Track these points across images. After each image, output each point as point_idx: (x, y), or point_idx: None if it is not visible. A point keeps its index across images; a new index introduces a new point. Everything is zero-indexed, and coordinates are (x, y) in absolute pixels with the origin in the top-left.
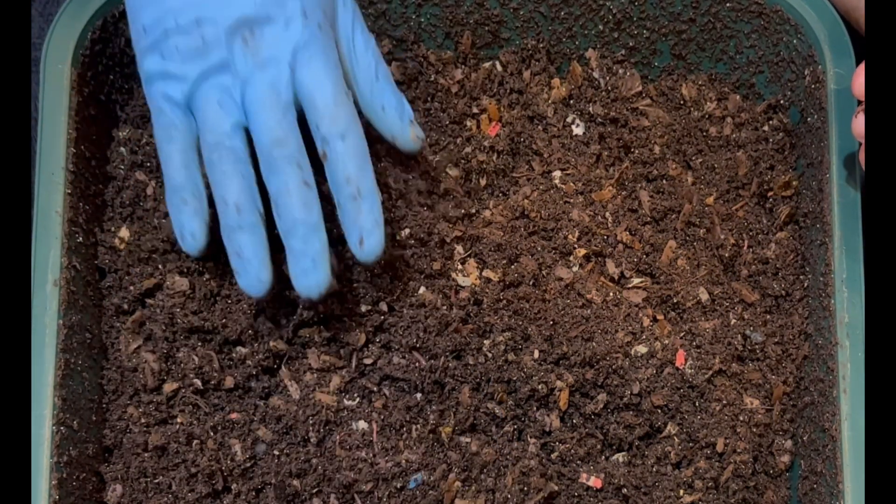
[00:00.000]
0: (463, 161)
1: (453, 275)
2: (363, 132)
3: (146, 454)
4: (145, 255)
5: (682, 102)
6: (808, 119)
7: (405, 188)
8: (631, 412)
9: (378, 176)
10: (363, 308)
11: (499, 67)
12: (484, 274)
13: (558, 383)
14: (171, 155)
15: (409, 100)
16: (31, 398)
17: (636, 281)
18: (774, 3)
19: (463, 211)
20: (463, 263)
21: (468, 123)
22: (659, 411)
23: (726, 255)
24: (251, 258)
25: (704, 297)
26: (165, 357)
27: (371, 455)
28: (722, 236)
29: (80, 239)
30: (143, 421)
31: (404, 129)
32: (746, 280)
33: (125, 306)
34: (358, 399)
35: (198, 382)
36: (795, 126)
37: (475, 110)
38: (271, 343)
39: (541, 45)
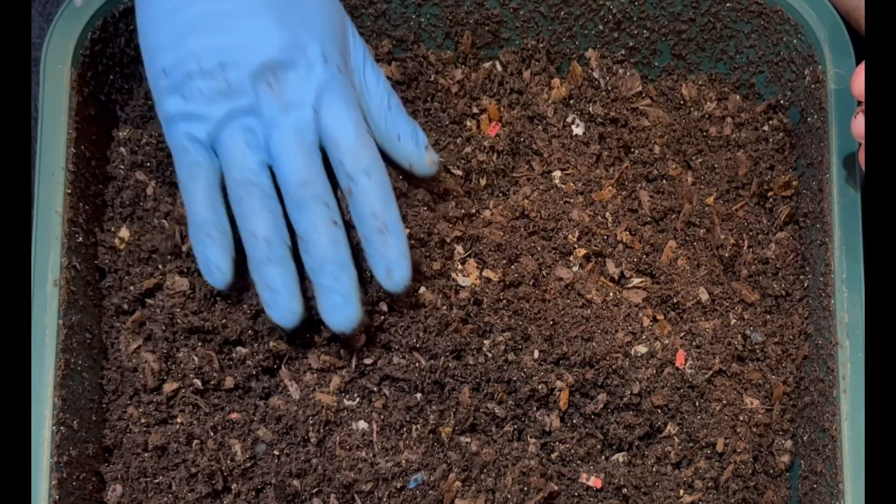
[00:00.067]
0: (463, 161)
1: (453, 275)
2: (385, 168)
3: (146, 454)
4: (145, 255)
5: (682, 102)
6: (808, 119)
7: (406, 187)
8: (631, 412)
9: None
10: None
11: (499, 67)
12: (484, 274)
13: (558, 383)
14: (196, 192)
15: (408, 100)
16: (31, 398)
17: (636, 281)
18: (774, 3)
19: (463, 211)
20: (463, 263)
21: (468, 123)
22: (659, 411)
23: (726, 255)
24: (282, 290)
25: (704, 297)
26: (165, 357)
27: (371, 455)
28: (722, 236)
29: (80, 239)
30: (143, 421)
31: (421, 156)
32: (746, 280)
33: (125, 306)
34: (358, 399)
35: (198, 382)
36: (795, 126)
37: (475, 110)
38: (271, 343)
39: (541, 45)
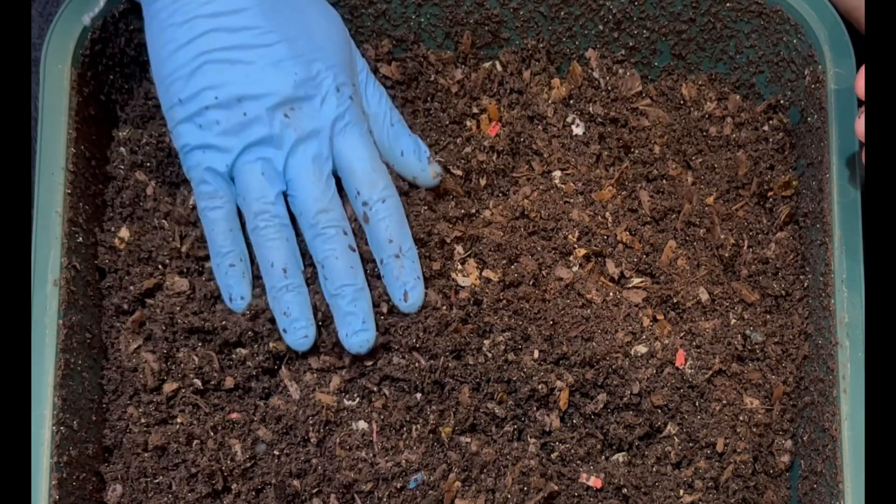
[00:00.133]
0: (463, 161)
1: (453, 275)
2: (398, 195)
3: (146, 454)
4: (145, 255)
5: (682, 102)
6: (808, 119)
7: (407, 187)
8: (631, 412)
9: None
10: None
11: (499, 67)
12: (484, 274)
13: (558, 383)
14: (217, 222)
15: (409, 100)
16: (31, 398)
17: (636, 281)
18: (774, 3)
19: (463, 211)
20: (463, 263)
21: (468, 123)
22: (659, 411)
23: (726, 255)
24: (299, 317)
25: (704, 297)
26: (165, 357)
27: (371, 455)
28: (722, 236)
29: (80, 239)
30: (143, 421)
31: (424, 170)
32: (746, 280)
33: (125, 306)
34: (358, 399)
35: (198, 382)
36: (795, 126)
37: (475, 110)
38: (271, 344)
39: (541, 45)
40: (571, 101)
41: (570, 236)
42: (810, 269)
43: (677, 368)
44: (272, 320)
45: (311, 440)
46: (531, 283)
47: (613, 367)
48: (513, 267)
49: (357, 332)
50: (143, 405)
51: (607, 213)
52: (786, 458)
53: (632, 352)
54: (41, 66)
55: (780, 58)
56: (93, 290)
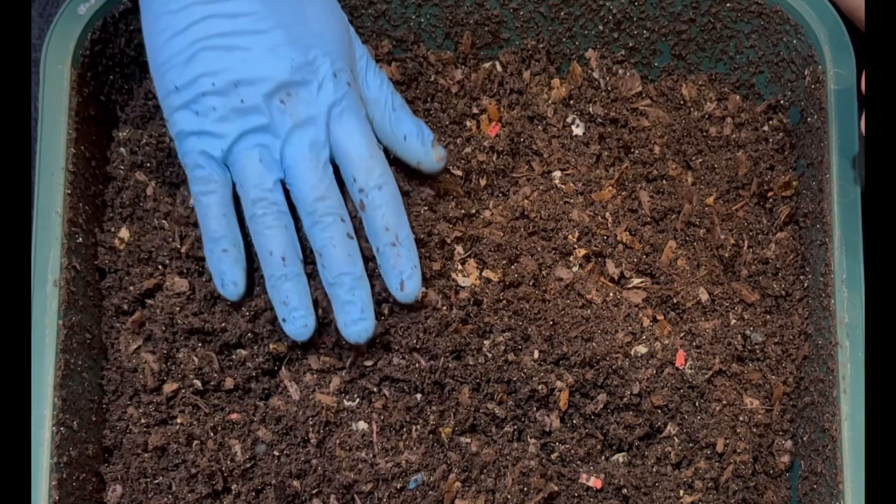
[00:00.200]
0: (463, 161)
1: (453, 275)
2: (396, 182)
3: (146, 455)
4: (145, 255)
5: (682, 102)
6: (808, 119)
7: (411, 186)
8: (631, 412)
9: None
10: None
11: (499, 68)
12: (484, 274)
13: (558, 383)
14: (210, 207)
15: (409, 100)
16: (31, 398)
17: (636, 281)
18: (774, 4)
19: (463, 211)
20: (463, 264)
21: (468, 124)
22: (659, 411)
23: (726, 255)
24: (298, 306)
25: (704, 297)
26: (165, 358)
27: (371, 455)
28: (722, 236)
29: (80, 239)
30: (143, 421)
31: (428, 154)
32: (746, 280)
33: (125, 307)
34: (358, 400)
35: (198, 383)
36: (795, 126)
37: (475, 110)
38: (271, 346)
39: (541, 46)
40: (571, 102)
41: (570, 236)
42: (810, 269)
43: (677, 369)
44: (272, 321)
45: (311, 441)
46: (531, 283)
47: (613, 367)
48: (513, 267)
49: (355, 321)
50: (143, 406)
51: (607, 214)
52: (786, 459)
53: (632, 352)
54: (41, 67)
55: (780, 58)
56: (93, 291)
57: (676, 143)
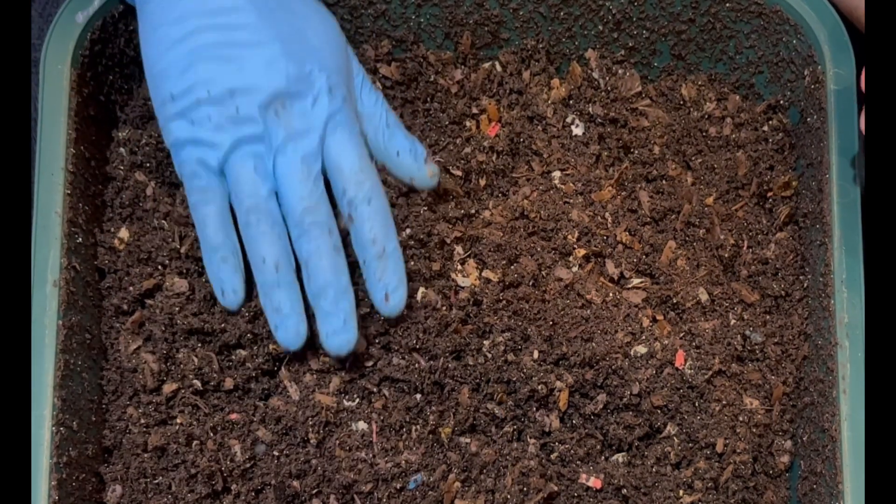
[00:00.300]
0: (462, 161)
1: (453, 275)
2: (386, 196)
3: (146, 455)
4: (145, 255)
5: (681, 103)
6: (808, 119)
7: (407, 188)
8: (630, 412)
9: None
10: (363, 310)
11: (498, 68)
12: (483, 274)
13: (558, 384)
14: (209, 216)
15: (408, 100)
16: (30, 399)
17: (636, 281)
18: (774, 4)
19: (463, 211)
20: (463, 264)
21: (468, 124)
22: (658, 412)
23: (726, 255)
24: (290, 313)
25: (704, 297)
26: (165, 358)
27: (371, 456)
28: (721, 236)
29: (80, 239)
30: (142, 421)
31: (421, 170)
32: (746, 280)
33: (125, 307)
34: (357, 400)
35: (197, 383)
36: (795, 126)
37: (475, 110)
38: (271, 346)
39: (540, 46)
40: (571, 102)
41: (569, 237)
42: (810, 269)
43: (677, 369)
44: None
45: (311, 441)
46: (531, 283)
47: (613, 367)
48: (512, 267)
49: (337, 332)
50: (142, 406)
51: (607, 214)
52: (785, 459)
53: (631, 352)
54: (41, 67)
55: (780, 58)
56: (92, 291)
57: (676, 144)
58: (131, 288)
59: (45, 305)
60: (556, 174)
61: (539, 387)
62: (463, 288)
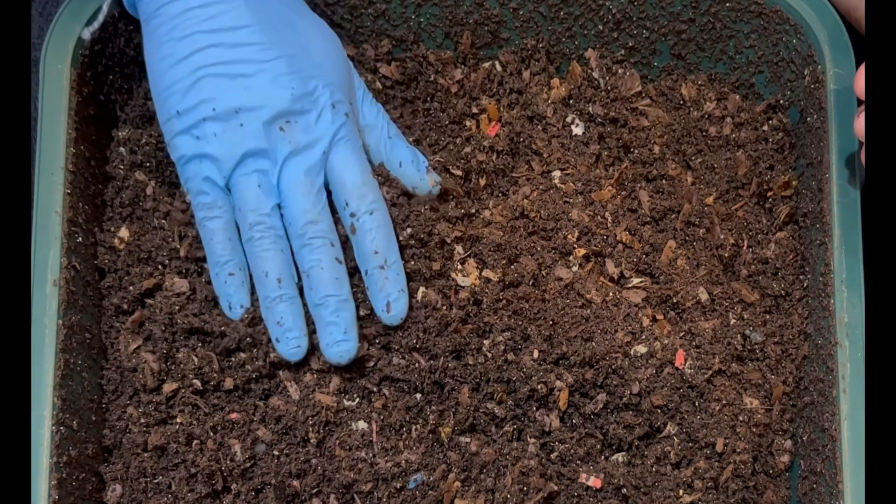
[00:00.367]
0: (462, 161)
1: (453, 275)
2: (388, 209)
3: (146, 454)
4: (145, 255)
5: (681, 102)
6: (808, 119)
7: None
8: (630, 412)
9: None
10: (362, 311)
11: (498, 67)
12: (483, 274)
13: (558, 383)
14: (216, 232)
15: (408, 100)
16: (30, 398)
17: (636, 281)
18: (774, 3)
19: (463, 211)
20: (463, 263)
21: (468, 123)
22: (658, 411)
23: (726, 254)
24: (292, 327)
25: (704, 296)
26: (165, 357)
27: (371, 455)
28: (721, 236)
29: (80, 239)
30: (142, 421)
31: (423, 179)
32: (746, 280)
33: (125, 306)
34: (358, 399)
35: (197, 383)
36: (795, 126)
37: (475, 110)
38: (272, 355)
39: (540, 45)
40: (571, 101)
41: (569, 236)
42: (810, 269)
43: (677, 368)
44: None
45: (311, 440)
46: (531, 283)
47: (613, 367)
48: (512, 267)
49: (338, 342)
50: (142, 405)
51: (607, 213)
52: (785, 458)
53: (631, 352)
54: (41, 66)
55: (780, 58)
56: (92, 290)
57: (676, 143)
58: (131, 287)
59: (45, 305)
60: (556, 174)
61: (539, 386)
62: (463, 287)
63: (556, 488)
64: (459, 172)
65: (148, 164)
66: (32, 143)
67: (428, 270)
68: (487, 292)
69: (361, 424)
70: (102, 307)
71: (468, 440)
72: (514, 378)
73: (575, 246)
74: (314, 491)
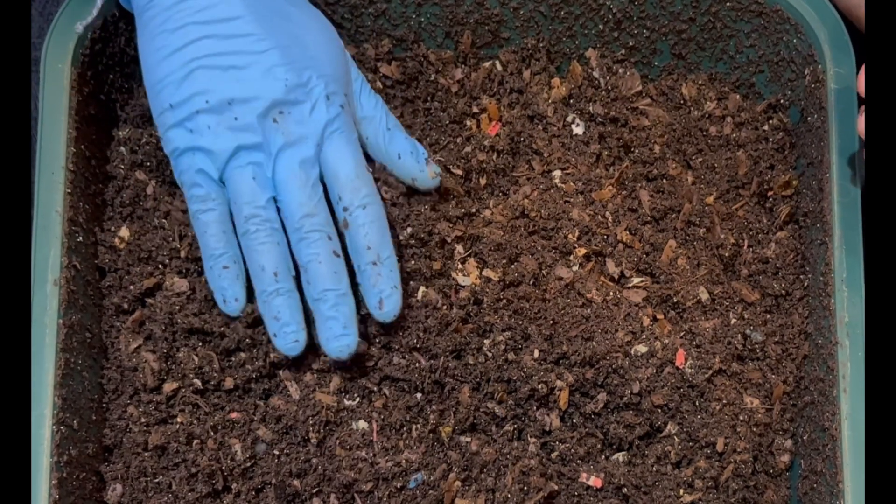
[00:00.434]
0: (463, 160)
1: (453, 274)
2: (382, 203)
3: (146, 454)
4: (145, 254)
5: (682, 102)
6: (809, 118)
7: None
8: (631, 412)
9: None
10: (363, 310)
11: (499, 67)
12: (484, 273)
13: (558, 383)
14: (210, 224)
15: (409, 99)
16: (31, 398)
17: (636, 280)
18: (774, 3)
19: (463, 210)
20: (463, 263)
21: (468, 123)
22: (659, 411)
23: (726, 254)
24: (289, 321)
25: (704, 296)
26: (165, 357)
27: (371, 455)
28: (722, 236)
29: (80, 238)
30: (143, 420)
31: (423, 171)
32: (746, 279)
33: (125, 306)
34: (358, 399)
35: (198, 382)
36: (795, 125)
37: (475, 110)
38: (272, 355)
39: (541, 45)
40: (571, 101)
41: (570, 236)
42: (810, 268)
43: (677, 368)
44: None
45: (312, 440)
46: (531, 282)
47: (613, 366)
48: (513, 266)
49: (337, 336)
50: (143, 405)
51: (607, 213)
52: (786, 458)
53: (632, 351)
54: (41, 66)
55: (781, 57)
56: (93, 290)
57: (676, 143)
58: (132, 287)
59: (45, 304)
60: (557, 173)
61: (539, 386)
62: (463, 287)
63: (556, 488)
64: (460, 172)
65: (148, 164)
66: (33, 143)
67: (428, 270)
68: (488, 292)
69: (362, 424)
70: (103, 307)
71: (469, 440)
72: (514, 377)
73: (575, 245)
74: (314, 490)
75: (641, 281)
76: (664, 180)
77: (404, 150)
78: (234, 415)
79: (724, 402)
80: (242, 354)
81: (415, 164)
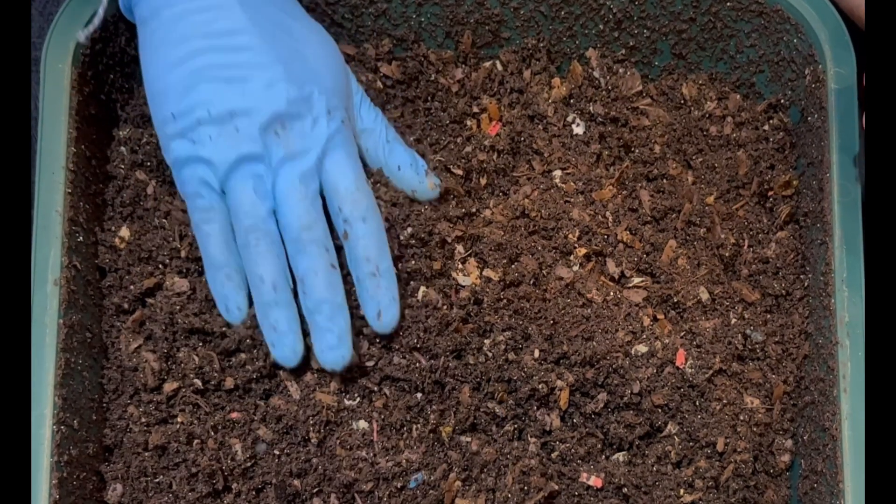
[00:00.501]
0: (463, 160)
1: (454, 274)
2: (381, 216)
3: (146, 453)
4: (145, 254)
5: (682, 102)
6: (809, 118)
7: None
8: (631, 411)
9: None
10: (361, 313)
11: (499, 67)
12: (484, 273)
13: (558, 382)
14: (212, 235)
15: (409, 99)
16: (31, 397)
17: (636, 280)
18: (775, 3)
19: (463, 210)
20: (463, 263)
21: (468, 123)
22: (659, 411)
23: (726, 254)
24: (287, 332)
25: (705, 296)
26: (166, 357)
27: (371, 455)
28: (722, 236)
29: (81, 238)
30: (143, 420)
31: (422, 182)
32: (747, 279)
33: (125, 306)
34: (358, 399)
35: (198, 382)
36: (796, 125)
37: (475, 110)
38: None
39: (541, 45)
40: (572, 101)
41: (570, 236)
42: (811, 268)
43: (678, 368)
44: None
45: (312, 440)
46: (531, 282)
47: (614, 366)
48: (513, 266)
49: (332, 347)
50: (143, 405)
51: (608, 213)
52: (786, 458)
53: (632, 351)
54: (41, 66)
55: (781, 57)
56: (93, 290)
57: (677, 143)
58: (132, 287)
59: (45, 304)
60: (557, 173)
61: (540, 386)
62: (464, 287)
63: (556, 488)
64: (460, 172)
65: (149, 164)
66: (33, 143)
67: (429, 270)
68: (488, 292)
69: (362, 424)
70: (103, 306)
71: (469, 439)
72: (514, 377)
73: (576, 245)
74: (315, 490)
75: (642, 281)
76: (664, 180)
77: (404, 162)
78: (234, 415)
79: (725, 401)
80: (243, 354)
81: (414, 175)
